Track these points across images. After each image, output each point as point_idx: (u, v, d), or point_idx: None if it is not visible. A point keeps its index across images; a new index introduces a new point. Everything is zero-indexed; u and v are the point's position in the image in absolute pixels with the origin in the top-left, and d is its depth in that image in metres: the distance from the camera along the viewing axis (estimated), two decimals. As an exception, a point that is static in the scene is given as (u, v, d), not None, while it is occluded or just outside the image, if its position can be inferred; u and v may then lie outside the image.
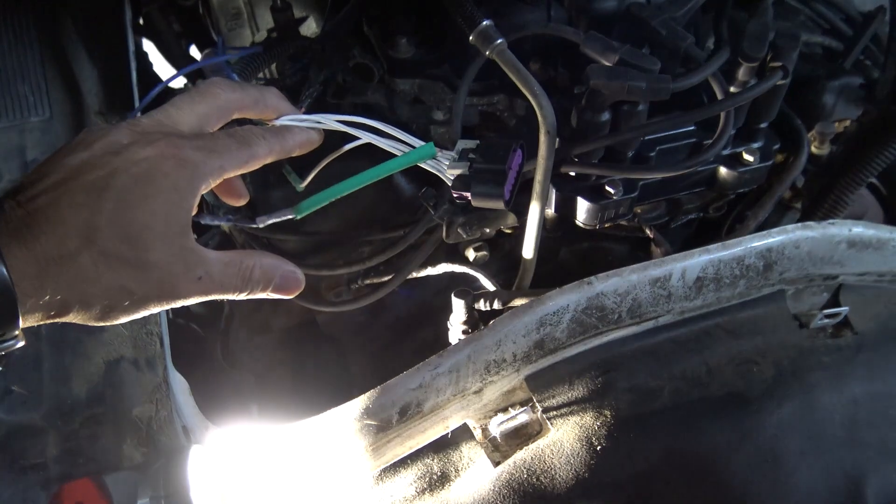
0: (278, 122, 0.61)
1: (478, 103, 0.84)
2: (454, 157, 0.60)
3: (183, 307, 1.12)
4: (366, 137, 0.62)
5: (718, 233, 0.95)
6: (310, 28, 0.94)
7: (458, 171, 0.59)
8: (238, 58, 0.78)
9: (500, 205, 0.59)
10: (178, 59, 1.40)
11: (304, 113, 0.63)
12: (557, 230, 0.89)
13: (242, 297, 0.55)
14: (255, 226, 0.64)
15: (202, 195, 0.53)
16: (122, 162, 0.49)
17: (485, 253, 0.88)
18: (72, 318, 0.49)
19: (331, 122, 0.62)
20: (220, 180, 0.54)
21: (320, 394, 0.85)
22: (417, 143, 0.61)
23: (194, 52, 1.46)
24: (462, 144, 0.61)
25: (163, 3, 1.31)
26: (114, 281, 0.48)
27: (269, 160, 0.57)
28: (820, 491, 0.72)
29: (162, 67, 1.44)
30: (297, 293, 0.58)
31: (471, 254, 0.88)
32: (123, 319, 0.50)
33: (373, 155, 0.62)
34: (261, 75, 0.91)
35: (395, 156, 0.61)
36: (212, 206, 0.92)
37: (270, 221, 0.64)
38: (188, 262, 0.50)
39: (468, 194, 0.59)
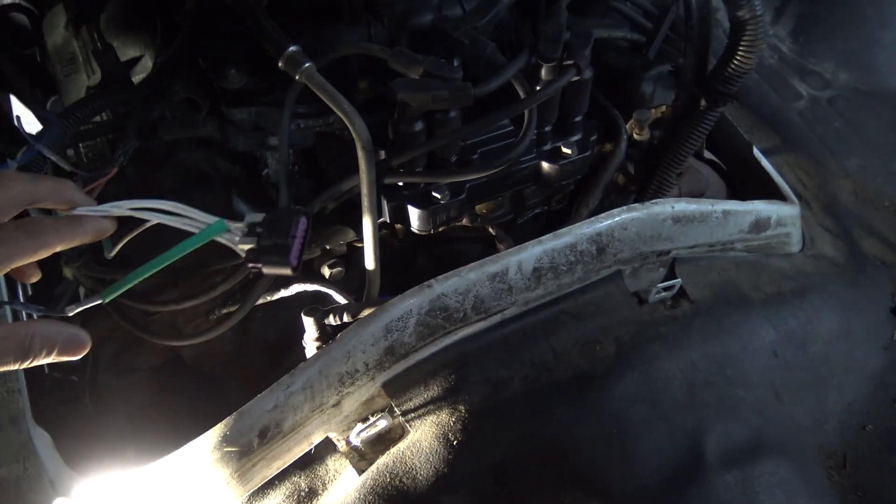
0: (72, 213, 0.63)
1: (314, 125, 0.86)
2: (244, 231, 0.64)
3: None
4: (156, 219, 0.65)
5: (566, 223, 0.99)
6: (145, 67, 0.94)
7: (247, 246, 0.64)
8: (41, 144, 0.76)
9: (287, 272, 0.63)
10: (35, 108, 1.37)
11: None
12: (410, 239, 0.92)
13: (26, 365, 0.57)
14: (63, 315, 0.65)
15: None
16: None
17: (340, 269, 0.90)
18: None
19: (122, 209, 0.65)
20: (9, 269, 0.56)
21: (200, 428, 0.85)
22: (209, 219, 0.65)
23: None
24: (250, 218, 0.65)
25: (10, 55, 1.29)
26: None
27: (59, 248, 0.59)
28: (664, 453, 0.76)
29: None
30: (83, 353, 0.60)
31: (326, 271, 0.90)
32: None
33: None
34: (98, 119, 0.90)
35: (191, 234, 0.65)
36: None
37: (79, 310, 0.66)
38: None
39: (260, 265, 0.63)
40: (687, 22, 0.87)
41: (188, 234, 0.65)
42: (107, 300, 0.66)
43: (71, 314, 0.66)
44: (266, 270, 0.64)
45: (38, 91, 1.35)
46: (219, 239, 0.65)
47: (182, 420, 0.99)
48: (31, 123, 1.31)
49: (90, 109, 0.75)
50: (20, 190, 0.58)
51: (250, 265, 0.64)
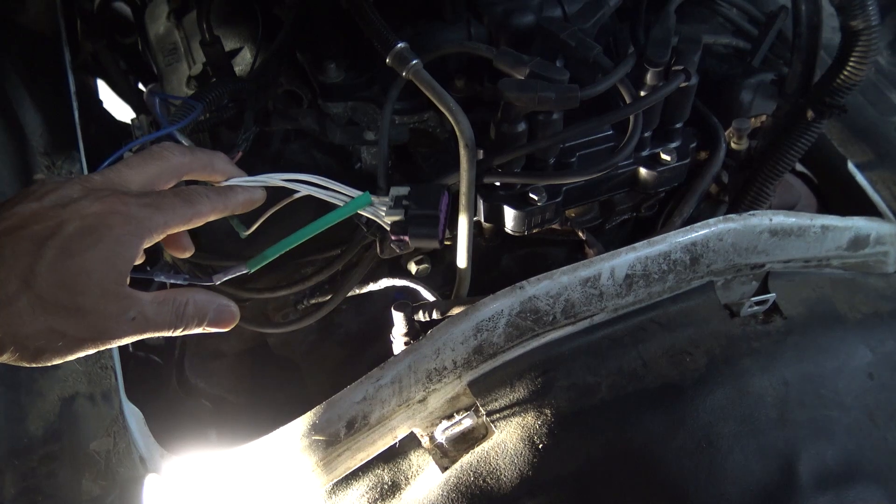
0: (224, 183, 0.64)
1: (408, 121, 0.87)
2: (389, 204, 0.66)
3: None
4: (306, 191, 0.66)
5: (654, 231, 0.98)
6: (244, 59, 0.97)
7: (395, 218, 0.65)
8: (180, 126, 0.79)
9: (435, 244, 0.64)
10: (126, 94, 1.42)
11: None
12: (496, 239, 0.92)
13: (178, 333, 0.57)
14: (210, 283, 0.67)
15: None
16: (70, 214, 0.52)
17: (426, 265, 0.91)
18: (6, 359, 0.51)
19: (275, 180, 0.66)
20: (165, 235, 0.57)
21: (279, 415, 0.87)
22: (354, 193, 0.66)
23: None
24: (395, 192, 0.66)
25: (108, 43, 1.34)
26: (46, 323, 0.50)
27: (211, 217, 0.61)
28: (754, 471, 0.75)
29: (115, 103, 1.47)
30: (231, 326, 0.60)
31: (413, 267, 0.90)
32: (57, 360, 0.52)
33: (316, 203, 0.67)
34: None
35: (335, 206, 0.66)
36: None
37: (226, 278, 0.67)
38: (121, 305, 0.53)
39: (406, 237, 0.64)
40: (795, 30, 0.85)
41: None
42: (252, 270, 0.67)
43: (218, 283, 0.68)
44: (413, 243, 0.65)
45: (132, 78, 1.40)
46: (362, 212, 0.66)
47: (262, 406, 1.02)
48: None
49: (212, 97, 0.77)
50: (178, 161, 0.60)
51: (395, 237, 0.65)
